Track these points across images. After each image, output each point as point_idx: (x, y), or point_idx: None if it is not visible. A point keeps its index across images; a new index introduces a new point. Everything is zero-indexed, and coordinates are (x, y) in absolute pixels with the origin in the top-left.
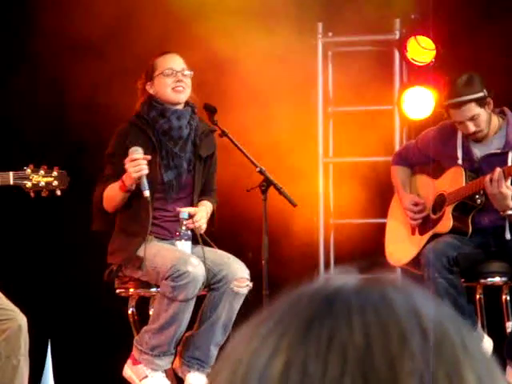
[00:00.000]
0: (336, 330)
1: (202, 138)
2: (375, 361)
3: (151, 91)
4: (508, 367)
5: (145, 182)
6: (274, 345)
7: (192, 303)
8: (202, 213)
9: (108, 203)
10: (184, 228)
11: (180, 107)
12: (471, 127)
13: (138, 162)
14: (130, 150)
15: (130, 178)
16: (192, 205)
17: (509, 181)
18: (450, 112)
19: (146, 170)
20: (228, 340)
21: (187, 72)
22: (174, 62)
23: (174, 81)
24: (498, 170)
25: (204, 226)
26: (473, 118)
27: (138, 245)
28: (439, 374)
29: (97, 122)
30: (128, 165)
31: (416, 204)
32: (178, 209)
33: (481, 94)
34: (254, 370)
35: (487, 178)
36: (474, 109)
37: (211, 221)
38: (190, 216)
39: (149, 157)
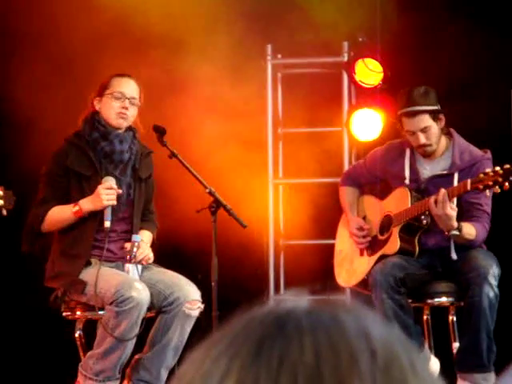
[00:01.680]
0: (287, 350)
1: (141, 159)
2: (325, 381)
3: (97, 107)
4: (459, 380)
5: (109, 212)
6: (225, 366)
7: (137, 327)
8: (145, 248)
9: (51, 226)
10: (135, 250)
11: (121, 131)
12: (422, 139)
13: (112, 191)
14: (105, 179)
15: (94, 204)
16: (132, 225)
17: (454, 202)
18: (403, 121)
19: (115, 201)
20: (179, 362)
21: (136, 101)
22: (127, 88)
23: (120, 106)
24: (443, 191)
25: (151, 256)
26: (425, 130)
27: (81, 268)
28: None
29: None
30: (103, 191)
31: (361, 228)
32: (132, 237)
33: (435, 107)
34: None
35: (432, 199)
36: (428, 120)
37: (152, 247)
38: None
39: (120, 191)
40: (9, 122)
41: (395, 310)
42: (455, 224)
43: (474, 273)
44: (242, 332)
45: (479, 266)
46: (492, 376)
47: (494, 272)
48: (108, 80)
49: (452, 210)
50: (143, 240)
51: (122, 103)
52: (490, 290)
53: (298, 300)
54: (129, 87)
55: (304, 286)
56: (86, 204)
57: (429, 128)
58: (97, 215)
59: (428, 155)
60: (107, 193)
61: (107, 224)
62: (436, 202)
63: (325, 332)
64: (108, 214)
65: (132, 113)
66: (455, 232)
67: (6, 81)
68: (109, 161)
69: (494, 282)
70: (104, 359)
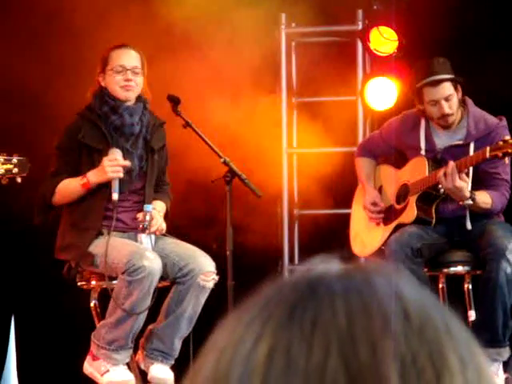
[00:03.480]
0: (319, 313)
1: (153, 130)
2: (358, 343)
3: (103, 83)
4: None
5: (117, 185)
6: (258, 331)
7: (149, 297)
8: (157, 219)
9: (61, 198)
10: (148, 218)
11: (131, 103)
12: (446, 108)
13: (117, 163)
14: (111, 151)
15: (100, 177)
16: (145, 196)
17: (469, 171)
18: (424, 92)
19: (121, 174)
20: (193, 333)
21: (139, 70)
22: (127, 59)
23: (123, 79)
24: (452, 164)
25: (164, 226)
26: (448, 98)
27: (90, 240)
28: (421, 355)
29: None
30: (107, 163)
31: (375, 204)
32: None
33: (455, 77)
34: (239, 357)
35: (441, 172)
36: (450, 88)
37: (166, 218)
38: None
39: (128, 163)
40: (16, 96)
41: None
42: (467, 194)
43: (492, 248)
44: (275, 297)
45: (496, 241)
46: (507, 351)
47: (511, 247)
48: (107, 54)
49: (462, 180)
50: (156, 209)
51: (124, 76)
52: (508, 266)
53: (329, 265)
54: (129, 58)
55: (318, 255)
56: (93, 176)
57: (452, 96)
58: (105, 188)
59: (449, 126)
60: (111, 164)
61: (115, 196)
62: (445, 174)
63: (357, 294)
64: (115, 186)
65: (137, 82)
66: (469, 202)
67: (13, 56)
68: (119, 134)
69: (511, 257)
70: (116, 329)
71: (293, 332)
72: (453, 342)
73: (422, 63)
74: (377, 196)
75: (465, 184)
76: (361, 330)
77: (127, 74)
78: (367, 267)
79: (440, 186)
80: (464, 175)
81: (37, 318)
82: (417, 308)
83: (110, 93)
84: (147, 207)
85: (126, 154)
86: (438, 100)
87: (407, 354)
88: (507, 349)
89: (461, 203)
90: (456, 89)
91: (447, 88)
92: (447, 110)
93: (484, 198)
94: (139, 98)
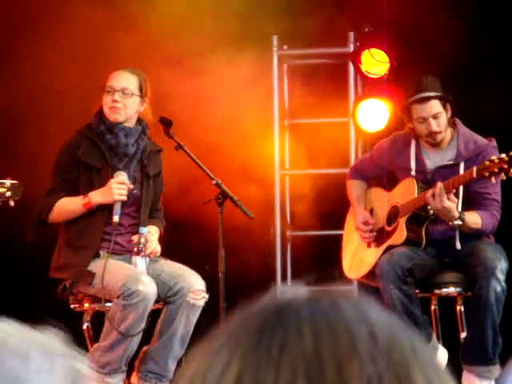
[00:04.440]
0: (286, 338)
1: (150, 156)
2: (324, 365)
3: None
4: (464, 371)
5: (119, 207)
6: (226, 358)
7: (144, 320)
8: (152, 242)
9: (58, 216)
10: (143, 241)
11: (130, 124)
12: (434, 125)
13: (124, 187)
14: (117, 173)
15: (105, 198)
16: (140, 220)
17: (459, 191)
18: (413, 109)
19: (126, 197)
20: (186, 353)
21: (129, 91)
22: (117, 80)
23: (111, 100)
24: (439, 184)
25: (158, 249)
26: (436, 116)
27: (89, 260)
28: (388, 376)
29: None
30: (114, 185)
31: (367, 223)
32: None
33: (445, 95)
34: (209, 383)
35: (429, 193)
36: (438, 106)
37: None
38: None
39: (131, 186)
40: (14, 115)
41: (403, 301)
42: (456, 214)
43: (481, 267)
44: (242, 324)
45: (487, 260)
46: (497, 368)
47: (501, 266)
48: (108, 75)
49: (450, 201)
50: (151, 232)
51: (111, 97)
52: (497, 285)
53: (297, 290)
54: (119, 79)
55: (311, 277)
56: (96, 196)
57: (440, 114)
58: (106, 208)
59: (437, 144)
60: (119, 187)
61: (116, 219)
62: (434, 195)
63: (324, 318)
64: (117, 208)
65: (126, 104)
66: (458, 222)
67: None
68: (114, 154)
69: (501, 276)
70: (110, 352)
71: (260, 357)
72: (419, 364)
73: (411, 81)
74: (368, 215)
75: (453, 204)
76: (327, 353)
77: (114, 95)
78: (335, 293)
79: (429, 207)
80: (452, 196)
81: None
82: (384, 330)
83: (104, 113)
84: (142, 230)
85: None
86: (426, 117)
87: (373, 375)
88: (497, 366)
89: (450, 224)
90: (445, 108)
91: (435, 106)
92: (435, 128)
93: (474, 219)
94: (140, 121)
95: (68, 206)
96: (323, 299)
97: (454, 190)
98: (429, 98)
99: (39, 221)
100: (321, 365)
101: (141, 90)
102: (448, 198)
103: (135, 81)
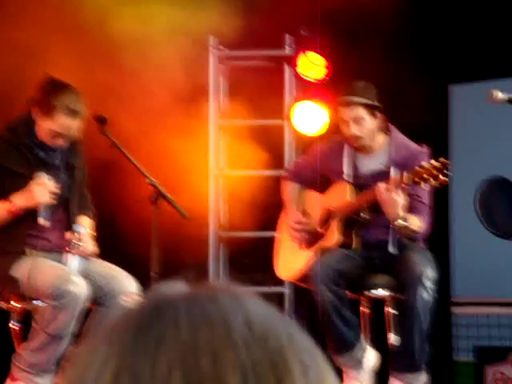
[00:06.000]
0: (164, 331)
1: (71, 147)
2: (199, 355)
3: (35, 117)
4: (390, 378)
5: (45, 209)
6: (105, 354)
7: (74, 321)
8: (87, 241)
9: None
10: (76, 240)
11: None
12: (353, 129)
13: (47, 188)
14: (38, 174)
15: (28, 201)
16: (69, 213)
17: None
18: (339, 111)
19: (50, 199)
20: None
21: (74, 133)
22: (64, 128)
23: (56, 140)
24: (394, 177)
25: (93, 249)
26: (357, 121)
27: (11, 264)
28: (263, 363)
29: None
30: (36, 188)
31: (299, 222)
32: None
33: (371, 102)
34: (88, 381)
35: (381, 184)
36: (361, 112)
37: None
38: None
39: (55, 190)
40: None
41: (334, 302)
42: (401, 213)
43: (408, 273)
44: (121, 322)
45: (413, 268)
46: (423, 376)
47: (428, 274)
48: (52, 106)
49: (400, 197)
50: (86, 229)
51: (57, 138)
52: (424, 292)
53: (176, 287)
54: (66, 127)
55: (244, 277)
56: (19, 200)
57: (362, 120)
58: (30, 211)
59: (360, 149)
60: (39, 190)
61: (41, 221)
62: (387, 187)
63: (201, 310)
64: (42, 211)
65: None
66: (401, 222)
67: None
68: (41, 164)
69: (428, 284)
70: (39, 352)
71: (137, 352)
72: (294, 349)
73: (346, 83)
74: (299, 215)
75: (401, 200)
76: (203, 342)
77: (60, 138)
78: (213, 287)
79: (362, 211)
80: (400, 192)
81: None
82: (260, 319)
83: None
84: (77, 227)
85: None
86: (347, 120)
87: (248, 362)
88: (423, 373)
89: (393, 223)
90: (372, 114)
91: (357, 110)
92: (354, 132)
93: (414, 221)
94: None
95: None
96: (201, 293)
97: (404, 186)
98: (351, 102)
99: None
100: (196, 355)
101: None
102: (397, 194)
103: (81, 122)
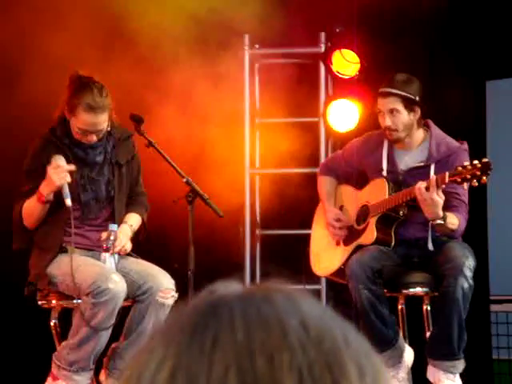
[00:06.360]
0: (219, 332)
1: (119, 144)
2: (255, 356)
3: (68, 117)
4: (429, 366)
5: (67, 190)
6: (161, 354)
7: (113, 317)
8: (122, 238)
9: (27, 218)
10: (112, 239)
11: None
12: (388, 121)
13: (62, 169)
14: (54, 158)
15: (49, 186)
16: (114, 211)
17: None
18: (378, 101)
19: (68, 178)
20: None
21: (103, 130)
22: (91, 125)
23: (85, 138)
24: (434, 176)
25: (128, 247)
26: (392, 113)
27: (49, 261)
28: (319, 365)
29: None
30: (51, 171)
31: (338, 220)
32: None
33: (410, 96)
34: (144, 380)
35: (420, 184)
36: (398, 104)
37: (143, 229)
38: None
39: (73, 167)
40: None
41: (371, 301)
42: (441, 212)
43: (450, 264)
44: (177, 321)
45: (455, 258)
46: (462, 363)
47: (469, 264)
48: (74, 105)
49: (439, 197)
50: (127, 222)
51: (86, 135)
52: (465, 282)
53: (231, 286)
54: (92, 124)
55: (280, 275)
56: (43, 188)
57: (397, 112)
58: (63, 206)
59: (399, 144)
60: (57, 172)
61: (68, 202)
62: (427, 187)
63: (256, 311)
64: (65, 192)
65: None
66: (440, 221)
67: None
68: (83, 164)
69: (468, 273)
70: (78, 349)
71: (193, 352)
72: (351, 352)
73: (389, 75)
74: (339, 213)
75: (441, 200)
76: (259, 344)
77: (89, 135)
78: (269, 288)
79: (400, 208)
80: (441, 192)
81: None
82: (315, 321)
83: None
84: (112, 226)
85: (92, 183)
86: (382, 111)
87: (304, 364)
88: (462, 361)
89: (432, 222)
90: (408, 108)
91: (393, 102)
92: (388, 123)
93: (452, 220)
94: None
95: (29, 206)
96: (256, 293)
97: (444, 186)
98: (389, 94)
99: (19, 228)
100: (252, 356)
101: (107, 110)
102: (437, 194)
103: (106, 116)
